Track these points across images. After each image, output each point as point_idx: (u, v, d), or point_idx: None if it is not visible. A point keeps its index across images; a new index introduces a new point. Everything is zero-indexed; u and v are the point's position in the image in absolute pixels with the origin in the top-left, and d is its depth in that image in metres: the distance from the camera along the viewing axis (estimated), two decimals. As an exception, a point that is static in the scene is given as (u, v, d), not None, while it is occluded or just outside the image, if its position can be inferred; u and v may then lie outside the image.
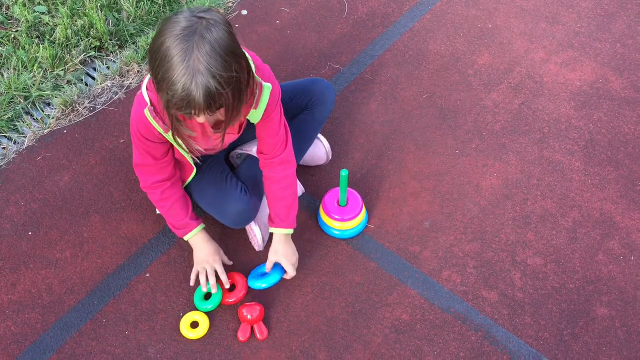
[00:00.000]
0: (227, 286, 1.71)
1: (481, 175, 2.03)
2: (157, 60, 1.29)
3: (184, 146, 1.58)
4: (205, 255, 1.72)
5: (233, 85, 1.31)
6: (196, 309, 1.70)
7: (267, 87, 1.54)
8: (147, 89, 1.51)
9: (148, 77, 1.52)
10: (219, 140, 1.61)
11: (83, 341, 1.66)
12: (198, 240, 1.74)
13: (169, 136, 1.54)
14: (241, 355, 1.64)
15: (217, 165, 1.80)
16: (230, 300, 1.70)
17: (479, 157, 2.07)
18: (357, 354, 1.65)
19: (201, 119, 1.38)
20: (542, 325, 1.71)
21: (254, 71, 1.48)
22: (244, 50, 1.38)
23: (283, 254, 1.72)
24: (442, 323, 1.71)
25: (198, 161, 1.72)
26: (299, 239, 1.86)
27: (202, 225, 1.74)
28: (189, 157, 1.66)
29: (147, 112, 1.49)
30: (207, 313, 1.70)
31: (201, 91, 1.27)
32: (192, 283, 1.72)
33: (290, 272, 1.72)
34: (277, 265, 1.73)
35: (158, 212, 1.89)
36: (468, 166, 2.05)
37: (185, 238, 1.73)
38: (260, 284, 1.70)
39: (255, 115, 1.58)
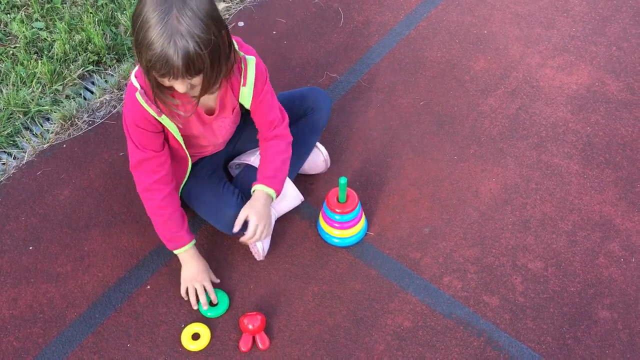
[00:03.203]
0: (215, 302, 1.72)
1: (480, 180, 2.03)
2: (136, 24, 1.31)
3: (177, 130, 1.57)
4: (195, 272, 1.72)
5: (212, 48, 1.32)
6: (199, 318, 1.70)
7: (251, 59, 1.57)
8: (135, 76, 1.52)
9: (137, 67, 1.53)
10: (214, 125, 1.64)
11: (85, 355, 1.66)
12: (189, 255, 1.72)
13: (163, 119, 1.53)
14: (243, 365, 1.64)
15: (214, 173, 1.82)
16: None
17: (477, 163, 2.08)
18: (359, 361, 1.65)
19: (179, 86, 1.37)
20: (544, 329, 1.70)
21: (236, 47, 1.51)
22: (224, 20, 1.40)
23: (257, 210, 1.66)
24: (443, 329, 1.70)
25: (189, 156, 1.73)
26: (299, 247, 1.86)
27: (194, 241, 1.73)
28: (182, 142, 1.63)
29: (138, 95, 1.49)
30: (208, 323, 1.70)
31: (180, 52, 1.28)
32: (185, 297, 1.73)
33: (250, 233, 1.65)
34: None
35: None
36: (466, 171, 2.05)
37: (176, 251, 1.72)
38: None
39: (246, 95, 1.60)
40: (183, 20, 1.28)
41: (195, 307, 1.71)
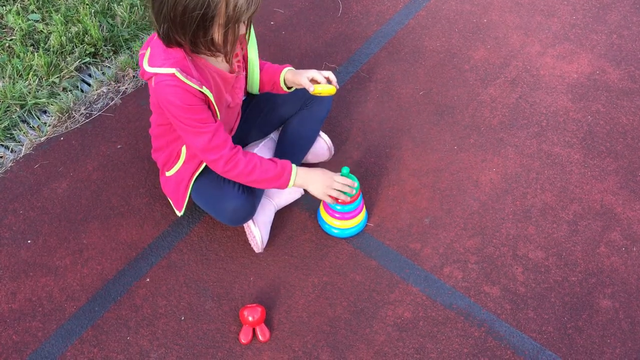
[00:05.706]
0: (354, 185, 1.73)
1: (480, 170, 2.02)
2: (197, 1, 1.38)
3: (214, 102, 1.58)
4: (320, 179, 1.70)
5: None
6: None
7: None
8: (154, 66, 1.50)
9: (145, 60, 1.52)
10: (235, 84, 1.70)
11: (84, 348, 1.65)
12: (302, 173, 1.69)
13: (204, 90, 1.53)
14: (243, 357, 1.63)
15: None
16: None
17: (477, 152, 2.07)
18: (360, 353, 1.64)
19: (243, 28, 1.51)
20: (545, 318, 1.70)
21: None
22: None
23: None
24: (444, 319, 1.70)
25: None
26: (298, 239, 1.85)
27: (293, 164, 1.71)
28: (217, 111, 1.63)
29: (177, 74, 1.48)
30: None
31: None
32: (334, 199, 1.73)
33: (329, 75, 1.77)
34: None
35: (179, 213, 1.89)
36: (466, 161, 2.04)
37: (291, 180, 1.68)
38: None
39: (251, 37, 1.73)
40: None
41: (348, 199, 1.73)
